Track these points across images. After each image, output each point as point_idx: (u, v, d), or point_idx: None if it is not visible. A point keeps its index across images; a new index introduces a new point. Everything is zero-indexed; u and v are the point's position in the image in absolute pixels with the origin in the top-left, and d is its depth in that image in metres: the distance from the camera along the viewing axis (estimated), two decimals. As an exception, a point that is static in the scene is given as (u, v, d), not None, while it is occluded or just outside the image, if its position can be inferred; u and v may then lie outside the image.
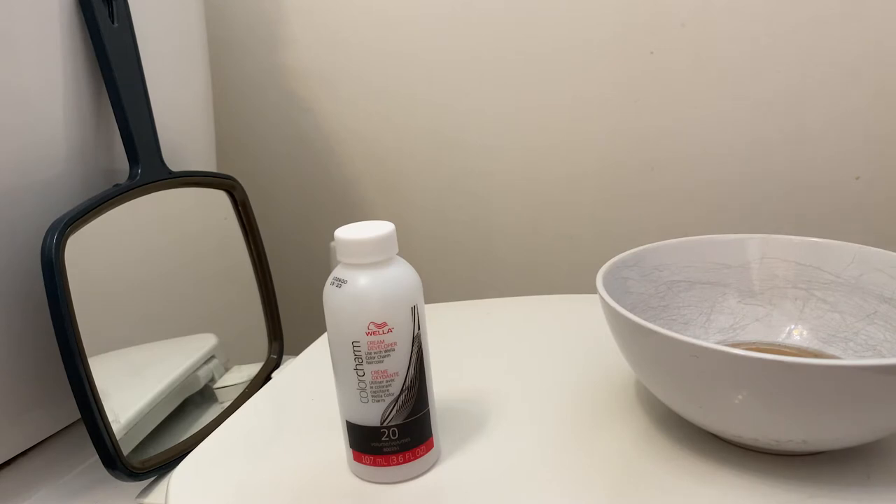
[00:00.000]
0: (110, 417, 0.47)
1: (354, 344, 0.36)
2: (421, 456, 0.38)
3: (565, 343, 0.54)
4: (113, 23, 0.53)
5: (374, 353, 0.36)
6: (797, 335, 0.48)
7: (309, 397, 0.49)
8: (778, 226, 0.70)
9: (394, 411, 0.37)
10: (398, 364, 0.36)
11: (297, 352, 0.59)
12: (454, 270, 0.84)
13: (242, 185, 0.65)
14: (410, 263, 0.38)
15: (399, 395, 0.37)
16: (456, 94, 0.77)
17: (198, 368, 0.60)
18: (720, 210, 0.73)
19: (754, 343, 0.48)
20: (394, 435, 0.37)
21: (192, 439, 0.54)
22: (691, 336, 0.40)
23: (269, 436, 0.45)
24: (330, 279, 0.37)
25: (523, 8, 0.72)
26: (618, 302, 0.39)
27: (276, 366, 0.66)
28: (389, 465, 0.38)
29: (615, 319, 0.39)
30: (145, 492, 0.50)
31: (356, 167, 0.84)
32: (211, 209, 0.63)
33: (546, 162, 0.77)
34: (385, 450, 0.37)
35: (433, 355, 0.39)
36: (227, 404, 0.60)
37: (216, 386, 0.61)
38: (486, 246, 0.82)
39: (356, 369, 0.36)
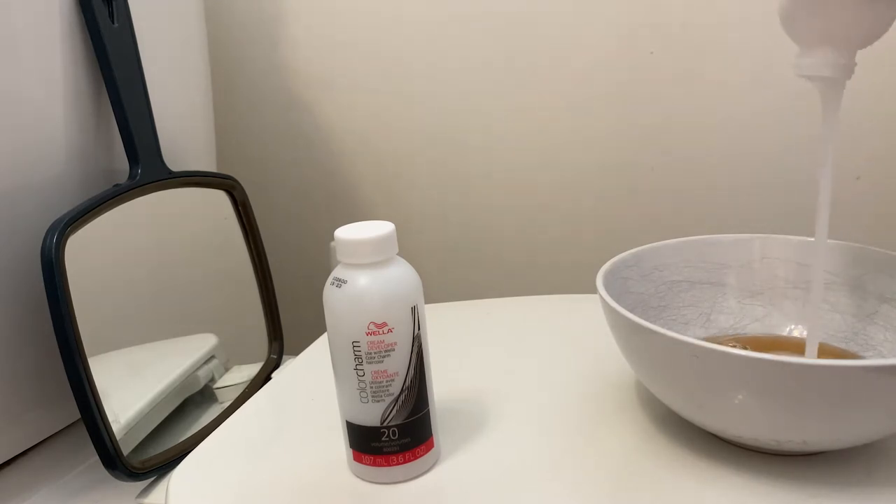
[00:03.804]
0: (110, 417, 0.47)
1: (354, 344, 0.36)
2: (421, 456, 0.38)
3: (565, 343, 0.54)
4: (113, 23, 0.53)
5: (374, 353, 0.36)
6: (797, 335, 0.48)
7: (309, 397, 0.49)
8: (778, 226, 0.70)
9: (394, 411, 0.37)
10: (398, 364, 0.36)
11: (297, 352, 0.59)
12: (454, 270, 0.84)
13: (242, 185, 0.65)
14: (410, 263, 0.38)
15: (399, 395, 0.37)
16: (456, 94, 0.77)
17: (198, 368, 0.60)
18: (720, 210, 0.73)
19: (757, 336, 0.48)
20: (394, 435, 0.37)
21: (192, 439, 0.54)
22: (691, 336, 0.40)
23: (269, 436, 0.45)
24: (330, 279, 0.37)
25: (523, 9, 0.72)
26: (618, 302, 0.39)
27: (276, 366, 0.66)
28: (389, 465, 0.38)
29: (615, 319, 0.39)
30: (145, 492, 0.50)
31: (356, 167, 0.84)
32: (211, 209, 0.63)
33: (546, 162, 0.77)
34: (385, 450, 0.37)
35: (433, 355, 0.39)
36: (227, 404, 0.60)
37: (216, 386, 0.61)
38: (486, 246, 0.82)
39: (356, 369, 0.36)
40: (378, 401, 0.37)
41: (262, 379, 0.64)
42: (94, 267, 0.51)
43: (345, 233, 0.36)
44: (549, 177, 0.77)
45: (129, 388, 0.53)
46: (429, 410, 0.38)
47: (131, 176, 0.54)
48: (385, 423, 0.37)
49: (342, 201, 0.86)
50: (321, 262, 0.87)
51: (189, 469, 0.42)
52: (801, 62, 0.38)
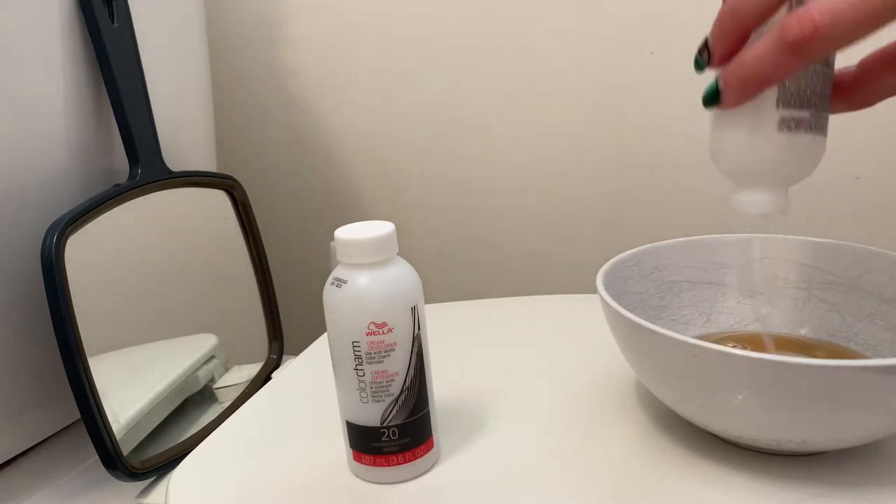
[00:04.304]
0: (110, 417, 0.47)
1: (354, 344, 0.36)
2: (421, 456, 0.38)
3: (565, 343, 0.54)
4: (113, 23, 0.53)
5: (374, 353, 0.36)
6: (800, 334, 0.48)
7: (309, 397, 0.49)
8: (778, 226, 0.70)
9: (394, 411, 0.37)
10: (398, 364, 0.36)
11: (297, 352, 0.59)
12: (454, 270, 0.84)
13: (242, 185, 0.65)
14: (410, 263, 0.38)
15: (399, 395, 0.37)
16: (456, 93, 0.77)
17: (198, 368, 0.60)
18: (720, 210, 0.73)
19: (757, 336, 0.48)
20: (394, 435, 0.37)
21: (192, 439, 0.54)
22: (691, 336, 0.40)
23: (269, 436, 0.45)
24: (330, 279, 0.37)
25: (523, 8, 0.72)
26: (618, 302, 0.39)
27: (276, 366, 0.66)
28: (389, 465, 0.38)
29: (615, 319, 0.39)
30: (145, 492, 0.50)
31: (356, 167, 0.84)
32: (211, 209, 0.63)
33: (546, 162, 0.77)
34: (385, 450, 0.37)
35: (433, 355, 0.39)
36: (227, 404, 0.60)
37: (216, 386, 0.61)
38: (486, 246, 0.82)
39: (356, 369, 0.36)
40: (378, 401, 0.37)
41: (262, 379, 0.64)
42: (94, 267, 0.51)
43: (345, 233, 0.36)
44: (549, 177, 0.77)
45: (129, 388, 0.53)
46: (429, 410, 0.38)
47: (131, 176, 0.54)
48: (385, 423, 0.37)
49: (342, 201, 0.86)
50: (321, 262, 0.87)
51: (189, 469, 0.42)
52: (734, 199, 0.37)
